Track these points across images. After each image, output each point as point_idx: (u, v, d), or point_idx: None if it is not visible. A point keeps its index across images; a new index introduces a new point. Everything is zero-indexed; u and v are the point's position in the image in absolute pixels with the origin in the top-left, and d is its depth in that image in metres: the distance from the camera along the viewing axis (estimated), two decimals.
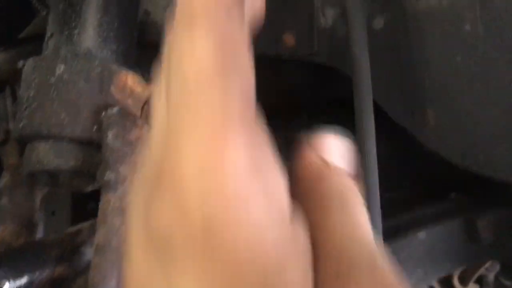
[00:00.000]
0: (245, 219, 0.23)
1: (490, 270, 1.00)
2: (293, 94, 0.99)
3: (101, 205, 0.54)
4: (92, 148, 0.56)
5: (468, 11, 0.61)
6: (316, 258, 0.26)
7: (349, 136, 0.30)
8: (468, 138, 0.62)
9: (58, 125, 0.55)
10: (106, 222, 0.54)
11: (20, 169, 0.61)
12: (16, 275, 0.53)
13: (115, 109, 0.55)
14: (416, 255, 0.79)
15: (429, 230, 0.79)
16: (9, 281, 0.52)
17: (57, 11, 0.60)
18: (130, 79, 0.58)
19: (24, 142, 0.57)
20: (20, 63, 0.58)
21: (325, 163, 0.31)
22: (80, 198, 1.05)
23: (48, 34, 0.60)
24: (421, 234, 0.79)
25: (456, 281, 0.97)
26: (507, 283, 1.05)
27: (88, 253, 0.60)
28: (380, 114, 0.66)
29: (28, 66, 0.57)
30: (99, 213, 0.55)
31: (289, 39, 0.73)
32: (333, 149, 0.31)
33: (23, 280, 0.53)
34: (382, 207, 0.61)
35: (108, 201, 0.54)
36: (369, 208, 0.58)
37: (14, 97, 0.70)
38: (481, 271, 0.99)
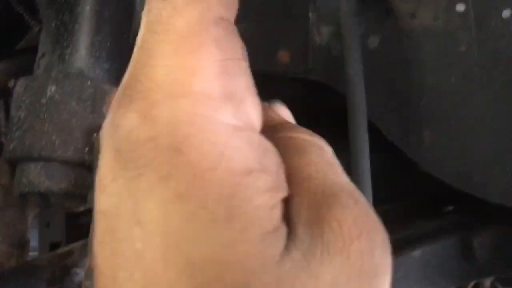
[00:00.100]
0: (210, 120, 0.22)
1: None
2: (288, 107, 0.98)
3: (92, 226, 0.54)
4: (84, 170, 0.55)
5: (463, 32, 0.61)
6: (294, 192, 0.25)
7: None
8: (463, 159, 0.62)
9: (49, 147, 0.54)
10: None
11: (11, 190, 0.61)
12: None
13: None
14: (411, 274, 0.79)
15: (424, 248, 0.79)
16: None
17: (49, 30, 0.59)
18: None
19: (15, 163, 0.56)
20: (12, 83, 0.58)
21: (286, 120, 0.31)
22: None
23: (40, 53, 0.59)
24: (416, 252, 0.79)
25: None
26: None
27: (80, 274, 0.59)
28: (374, 128, 0.65)
29: (19, 86, 0.56)
30: (90, 234, 0.54)
31: (283, 56, 0.73)
32: (285, 113, 0.32)
33: None
34: None
35: None
36: None
37: (7, 110, 0.70)
38: None
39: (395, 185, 0.98)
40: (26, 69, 0.62)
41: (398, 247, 0.80)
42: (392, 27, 0.66)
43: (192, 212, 0.21)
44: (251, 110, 0.25)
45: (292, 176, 0.25)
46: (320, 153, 0.27)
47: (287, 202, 0.24)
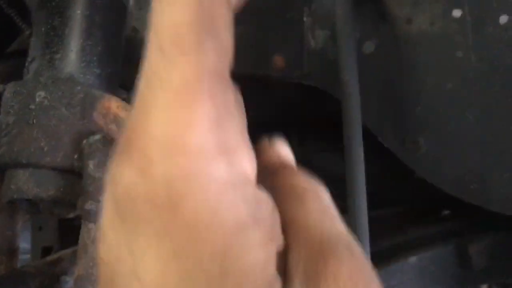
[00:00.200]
0: (204, 176, 0.23)
1: None
2: (283, 112, 0.97)
3: (81, 235, 0.53)
4: (73, 177, 0.54)
5: (460, 38, 0.60)
6: (290, 242, 0.26)
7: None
8: (459, 166, 0.61)
9: (38, 153, 0.53)
10: (87, 253, 0.53)
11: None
12: None
13: (97, 136, 0.54)
14: (407, 280, 0.78)
15: (420, 254, 0.78)
16: None
17: (39, 34, 0.58)
18: (114, 104, 0.57)
19: (3, 169, 0.55)
20: (1, 87, 0.57)
21: (285, 161, 0.32)
22: None
23: (30, 58, 0.58)
24: (412, 259, 0.78)
25: None
26: None
27: (69, 282, 0.58)
28: (369, 133, 0.65)
29: (8, 91, 0.55)
30: (80, 243, 0.53)
31: (278, 61, 0.72)
32: (285, 152, 0.34)
33: None
34: (371, 228, 0.59)
35: (89, 231, 0.53)
36: (357, 229, 0.57)
37: None
38: None
39: (391, 191, 0.98)
40: (17, 73, 0.61)
41: (394, 253, 0.80)
42: (388, 32, 0.65)
43: (188, 270, 0.22)
44: (245, 161, 0.25)
45: (288, 225, 0.26)
46: (317, 201, 0.28)
47: (283, 253, 0.25)
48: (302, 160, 1.01)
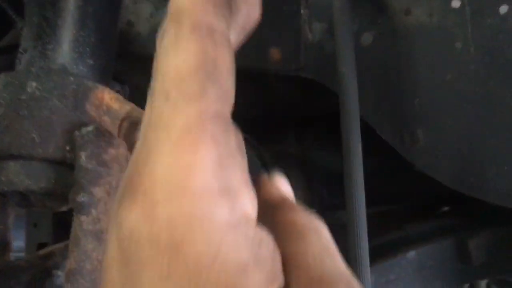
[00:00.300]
0: (206, 218, 0.23)
1: None
2: (281, 108, 0.97)
3: (73, 228, 0.52)
4: (65, 168, 0.53)
5: (459, 29, 0.59)
6: (291, 281, 0.26)
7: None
8: (458, 159, 0.60)
9: (29, 144, 0.52)
10: (79, 246, 0.52)
11: None
12: None
13: (89, 128, 0.53)
14: (405, 275, 0.77)
15: (419, 249, 0.78)
16: None
17: (31, 25, 0.57)
18: (107, 96, 0.56)
19: None
20: None
21: (286, 196, 0.33)
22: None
23: (22, 49, 0.57)
24: (411, 254, 0.77)
25: None
26: None
27: (61, 276, 0.57)
28: (368, 129, 0.64)
29: None
30: (71, 236, 0.52)
31: (275, 54, 0.71)
32: (285, 187, 0.34)
33: None
34: (370, 224, 0.59)
35: (81, 223, 0.52)
36: (356, 225, 0.56)
37: None
38: None
39: (390, 186, 0.97)
40: (10, 68, 0.60)
41: (393, 248, 0.79)
42: (386, 23, 0.64)
43: None
44: (247, 202, 0.25)
45: (289, 263, 0.27)
46: (317, 238, 0.28)
47: None
48: (300, 157, 1.00)
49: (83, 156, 0.52)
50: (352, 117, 0.60)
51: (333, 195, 0.97)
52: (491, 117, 0.58)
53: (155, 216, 0.23)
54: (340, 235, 0.69)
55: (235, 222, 0.24)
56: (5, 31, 0.80)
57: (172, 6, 0.28)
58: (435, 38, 0.61)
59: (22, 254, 1.03)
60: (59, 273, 0.56)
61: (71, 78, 0.54)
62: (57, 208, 0.58)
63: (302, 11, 0.70)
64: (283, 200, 0.32)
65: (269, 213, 0.30)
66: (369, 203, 0.59)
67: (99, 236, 0.52)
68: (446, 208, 1.01)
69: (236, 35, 0.32)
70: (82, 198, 0.51)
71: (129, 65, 0.83)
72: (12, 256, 0.63)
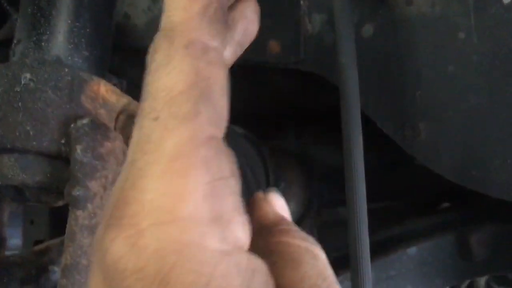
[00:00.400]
0: (197, 248, 0.22)
1: None
2: (280, 102, 0.96)
3: (69, 222, 0.51)
4: (61, 162, 0.52)
5: (462, 19, 0.58)
6: None
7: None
8: (460, 152, 0.59)
9: (24, 138, 0.51)
10: (75, 241, 0.51)
11: None
12: None
13: (85, 121, 0.52)
14: (406, 271, 0.77)
15: (420, 245, 0.77)
16: None
17: (25, 15, 0.56)
18: (103, 88, 0.55)
19: None
20: None
21: (281, 216, 0.32)
22: (59, 206, 1.02)
23: (15, 40, 0.56)
24: (412, 250, 0.77)
25: None
26: None
27: (56, 272, 0.56)
28: (368, 123, 0.63)
29: None
30: (67, 231, 0.51)
31: (274, 46, 0.70)
32: (281, 206, 0.33)
33: None
34: (370, 219, 0.58)
35: (77, 218, 0.51)
36: (356, 220, 0.55)
37: None
38: None
39: (391, 181, 0.96)
40: (5, 62, 0.59)
41: (394, 245, 0.78)
42: (387, 14, 0.63)
43: None
44: (239, 230, 0.25)
45: None
46: (314, 263, 0.27)
47: None
48: (300, 152, 0.99)
49: (78, 149, 0.51)
50: (352, 111, 0.59)
51: (333, 191, 0.97)
52: (494, 109, 0.57)
53: (141, 246, 0.22)
54: (340, 231, 0.68)
55: (227, 251, 0.23)
56: (0, 25, 0.79)
57: (165, 21, 0.27)
58: (438, 29, 0.60)
59: (19, 252, 1.03)
60: (55, 268, 0.55)
61: (66, 70, 0.53)
62: (53, 203, 0.57)
63: (301, 2, 0.69)
64: (279, 221, 0.31)
65: (264, 235, 0.29)
66: (370, 198, 0.58)
67: (95, 231, 0.51)
68: (447, 204, 1.00)
69: (232, 50, 0.31)
70: (77, 192, 0.50)
71: (125, 58, 0.82)
72: (9, 254, 0.62)
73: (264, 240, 0.28)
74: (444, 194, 0.97)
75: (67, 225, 0.51)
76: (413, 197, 1.00)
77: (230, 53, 0.31)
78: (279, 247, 0.28)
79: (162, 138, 0.24)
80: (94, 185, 0.51)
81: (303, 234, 0.30)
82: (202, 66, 0.25)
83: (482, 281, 1.05)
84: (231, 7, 0.32)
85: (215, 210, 0.23)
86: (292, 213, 0.39)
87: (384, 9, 0.63)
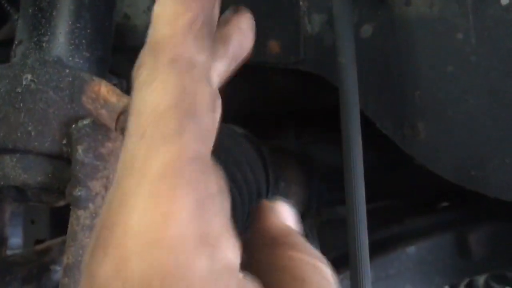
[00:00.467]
0: (185, 270, 0.22)
1: None
2: (280, 102, 0.96)
3: (70, 222, 0.51)
4: (62, 162, 0.53)
5: (461, 19, 0.58)
6: None
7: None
8: (459, 152, 0.60)
9: (25, 138, 0.51)
10: (76, 241, 0.51)
11: None
12: None
13: (86, 121, 0.52)
14: (405, 270, 0.77)
15: (419, 244, 0.77)
16: None
17: (26, 16, 0.56)
18: (104, 88, 0.55)
19: None
20: None
21: (288, 228, 0.31)
22: (60, 206, 1.03)
23: (16, 41, 0.56)
24: (411, 249, 0.77)
25: None
26: (498, 286, 1.04)
27: (58, 272, 0.57)
28: (368, 123, 0.63)
29: None
30: (69, 231, 0.51)
31: (274, 46, 0.70)
32: (289, 217, 0.32)
33: None
34: (369, 219, 0.58)
35: (78, 218, 0.51)
36: (356, 219, 0.55)
37: None
38: None
39: (390, 181, 0.96)
40: (6, 62, 0.60)
41: (393, 244, 0.78)
42: (386, 15, 0.64)
43: None
44: (228, 250, 0.24)
45: None
46: (319, 280, 0.27)
47: None
48: (300, 152, 0.99)
49: (79, 149, 0.51)
50: (352, 110, 0.59)
51: (332, 190, 0.97)
52: (493, 109, 0.57)
53: (127, 271, 0.21)
54: (340, 230, 0.69)
55: (216, 273, 0.22)
56: (1, 25, 0.79)
57: (150, 35, 0.26)
58: (436, 29, 0.60)
59: (20, 251, 1.03)
60: (57, 268, 0.56)
61: (67, 71, 0.53)
62: (54, 203, 0.57)
63: (301, 2, 0.69)
64: (286, 233, 0.30)
65: (269, 247, 0.29)
66: (369, 198, 0.58)
67: None
68: (446, 203, 1.01)
69: (226, 64, 0.30)
70: (79, 192, 0.51)
71: (125, 58, 0.82)
72: (10, 253, 0.63)
73: (269, 253, 0.27)
74: (443, 193, 0.98)
75: (69, 225, 0.51)
76: (412, 197, 1.00)
77: (224, 67, 0.30)
78: (284, 261, 0.27)
79: (147, 158, 0.23)
80: (95, 185, 0.51)
81: (311, 248, 0.29)
82: (187, 82, 0.25)
83: (481, 279, 1.06)
84: (225, 21, 0.32)
85: (203, 231, 0.23)
86: None
87: (383, 9, 0.64)
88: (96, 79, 0.54)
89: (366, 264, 0.55)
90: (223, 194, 0.25)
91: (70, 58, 0.55)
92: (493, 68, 0.57)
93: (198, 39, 0.26)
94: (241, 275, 0.24)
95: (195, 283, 0.21)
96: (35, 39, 0.55)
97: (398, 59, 0.63)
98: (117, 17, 0.74)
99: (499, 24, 0.56)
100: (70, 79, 0.53)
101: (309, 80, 0.77)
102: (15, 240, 1.01)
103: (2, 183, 0.52)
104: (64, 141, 0.52)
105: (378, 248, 0.78)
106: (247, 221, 0.66)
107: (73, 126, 0.52)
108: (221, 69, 0.29)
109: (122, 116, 0.56)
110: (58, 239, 0.58)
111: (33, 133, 0.51)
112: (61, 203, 0.58)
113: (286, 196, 0.85)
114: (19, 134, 0.51)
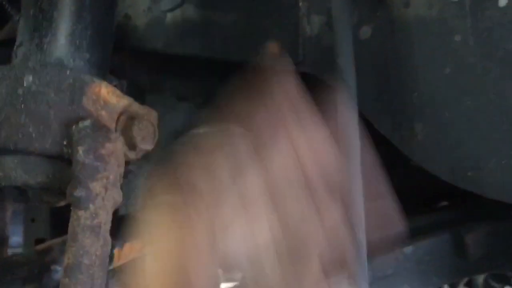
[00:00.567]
0: None
1: None
2: None
3: (71, 223, 0.52)
4: (63, 163, 0.53)
5: (459, 21, 0.59)
6: None
7: None
8: (456, 153, 0.60)
9: (26, 139, 0.52)
10: (77, 241, 0.51)
11: None
12: None
13: (86, 122, 0.53)
14: (403, 270, 0.77)
15: (416, 244, 0.77)
16: None
17: (27, 18, 0.57)
18: (104, 90, 0.55)
19: None
20: None
21: None
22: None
23: (18, 42, 0.57)
24: (408, 249, 0.77)
25: None
26: (497, 285, 1.04)
27: (59, 272, 0.57)
28: (366, 123, 0.64)
29: None
30: (69, 231, 0.52)
31: (273, 48, 0.70)
32: None
33: None
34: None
35: (78, 218, 0.51)
36: (353, 221, 0.56)
37: None
38: None
39: (388, 181, 0.96)
40: (7, 62, 0.60)
41: (390, 243, 0.79)
42: (385, 16, 0.64)
43: None
44: None
45: None
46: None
47: None
48: None
49: (80, 150, 0.51)
50: (350, 111, 0.59)
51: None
52: (490, 111, 0.58)
53: None
54: None
55: None
56: (2, 25, 0.79)
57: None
58: (434, 31, 0.60)
59: (20, 250, 1.03)
60: (58, 268, 0.56)
61: (68, 72, 0.54)
62: (55, 203, 0.57)
63: (300, 3, 0.69)
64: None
65: None
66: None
67: (97, 231, 0.51)
68: (443, 203, 1.01)
69: None
70: (79, 193, 0.51)
71: (126, 59, 0.83)
72: (11, 252, 0.63)
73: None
74: (441, 193, 0.98)
75: (69, 225, 0.52)
76: (409, 197, 1.00)
77: None
78: None
79: None
80: (95, 186, 0.51)
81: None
82: None
83: (480, 278, 1.06)
84: None
85: None
86: None
87: (382, 11, 0.64)
88: (97, 81, 0.55)
89: (363, 264, 0.55)
90: None
91: (71, 60, 0.56)
92: (491, 70, 0.57)
93: None
94: None
95: None
96: (36, 40, 0.56)
97: (397, 60, 0.63)
98: (117, 17, 0.74)
99: (497, 25, 0.57)
100: (71, 80, 0.54)
101: (308, 80, 0.77)
102: (16, 239, 1.02)
103: (3, 183, 0.53)
104: (65, 142, 0.53)
105: (375, 248, 0.78)
106: None
107: (74, 127, 0.52)
108: None
109: (122, 116, 0.56)
110: (59, 239, 0.59)
111: (34, 134, 0.52)
112: (62, 203, 0.58)
113: None
114: (20, 135, 0.52)
